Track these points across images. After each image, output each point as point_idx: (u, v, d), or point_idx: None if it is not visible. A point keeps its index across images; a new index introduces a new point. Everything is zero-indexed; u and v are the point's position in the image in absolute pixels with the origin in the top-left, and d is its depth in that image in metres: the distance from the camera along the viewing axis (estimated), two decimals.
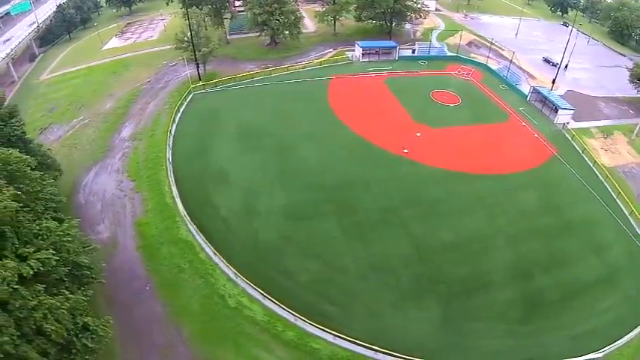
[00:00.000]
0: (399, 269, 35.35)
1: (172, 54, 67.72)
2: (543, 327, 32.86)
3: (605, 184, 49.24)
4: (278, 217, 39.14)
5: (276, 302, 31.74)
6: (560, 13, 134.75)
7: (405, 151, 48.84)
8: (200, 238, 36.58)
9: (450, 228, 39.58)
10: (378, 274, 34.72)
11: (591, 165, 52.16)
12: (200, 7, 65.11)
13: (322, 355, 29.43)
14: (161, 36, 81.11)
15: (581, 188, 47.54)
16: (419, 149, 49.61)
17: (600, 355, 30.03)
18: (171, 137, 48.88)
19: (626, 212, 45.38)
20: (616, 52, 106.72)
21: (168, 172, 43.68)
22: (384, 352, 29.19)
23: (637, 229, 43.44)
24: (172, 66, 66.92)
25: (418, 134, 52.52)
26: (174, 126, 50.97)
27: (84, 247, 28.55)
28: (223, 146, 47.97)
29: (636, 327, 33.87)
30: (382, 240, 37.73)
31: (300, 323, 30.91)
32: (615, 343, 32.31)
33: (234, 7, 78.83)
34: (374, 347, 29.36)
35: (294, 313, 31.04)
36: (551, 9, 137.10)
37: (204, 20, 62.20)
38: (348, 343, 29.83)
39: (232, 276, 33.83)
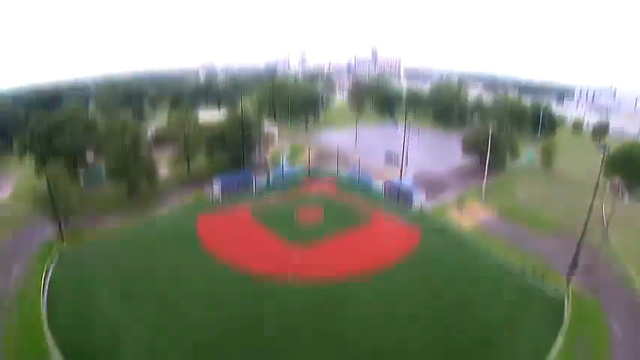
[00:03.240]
0: None
1: (29, 213, 68.22)
2: None
3: (474, 242, 62.63)
4: None
5: None
6: (388, 114, 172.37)
7: (290, 275, 54.87)
8: None
9: (357, 336, 44.23)
10: None
11: (456, 232, 66.16)
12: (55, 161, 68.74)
13: None
14: (12, 195, 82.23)
15: (457, 254, 59.51)
16: (300, 271, 56.04)
17: None
18: (46, 311, 47.32)
19: (499, 257, 58.18)
20: (444, 134, 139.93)
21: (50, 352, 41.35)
22: None
23: (513, 265, 55.98)
24: (31, 227, 67.13)
25: (296, 256, 59.67)
26: (45, 297, 49.75)
27: None
28: (104, 312, 47.82)
29: (553, 346, 42.34)
30: None
31: None
32: None
33: (87, 159, 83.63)
34: None
35: None
36: (378, 113, 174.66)
37: (59, 176, 64.93)
38: None
39: None
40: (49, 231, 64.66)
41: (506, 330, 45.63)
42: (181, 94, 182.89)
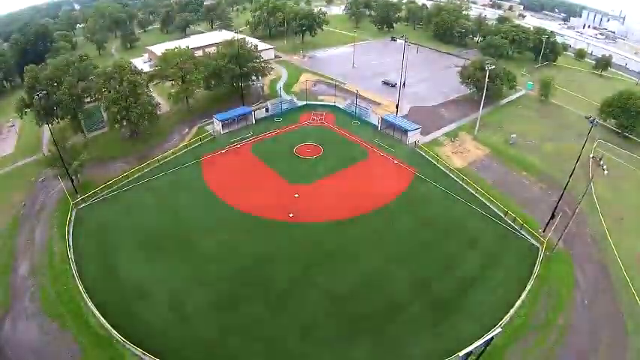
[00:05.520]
0: (324, 321, 46.09)
1: (38, 168, 71.98)
2: (452, 321, 45.99)
3: (463, 184, 67.34)
4: (209, 314, 46.71)
5: None
6: (387, 29, 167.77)
7: (291, 215, 60.30)
8: (149, 358, 41.76)
9: (352, 272, 51.74)
10: (311, 332, 44.93)
11: (447, 172, 70.47)
12: (57, 118, 69.98)
13: None
14: (17, 148, 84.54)
15: (445, 196, 64.80)
16: (302, 210, 61.59)
17: (500, 329, 40.71)
18: (74, 264, 52.47)
19: (484, 201, 63.45)
20: (443, 52, 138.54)
21: (87, 302, 47.27)
22: None
23: (496, 211, 61.64)
24: (42, 182, 70.73)
25: (296, 195, 64.62)
26: (71, 251, 54.53)
27: None
28: (129, 260, 53.50)
29: (523, 292, 48.91)
30: (302, 303, 48.03)
31: None
32: (509, 313, 46.51)
33: (85, 105, 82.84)
34: None
35: None
36: (377, 27, 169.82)
37: (64, 133, 67.65)
38: None
39: None
40: (61, 186, 66.93)
41: (485, 273, 52.43)
42: (172, 12, 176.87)
